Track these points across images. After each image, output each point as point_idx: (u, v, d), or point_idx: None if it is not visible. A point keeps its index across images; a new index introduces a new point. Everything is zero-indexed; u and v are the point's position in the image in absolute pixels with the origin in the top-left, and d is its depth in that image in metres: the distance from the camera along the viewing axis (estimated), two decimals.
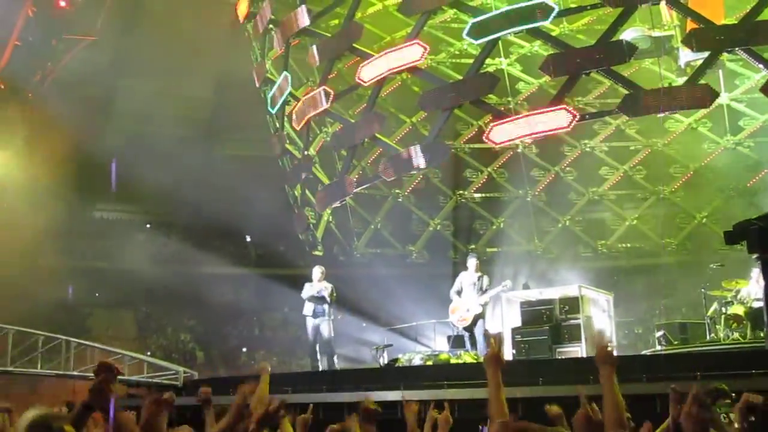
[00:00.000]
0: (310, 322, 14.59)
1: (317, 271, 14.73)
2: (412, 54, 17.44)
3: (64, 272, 23.00)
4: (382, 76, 17.83)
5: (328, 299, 14.47)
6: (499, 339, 3.68)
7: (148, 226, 27.57)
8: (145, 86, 21.84)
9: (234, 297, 25.26)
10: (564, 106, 15.78)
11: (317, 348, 14.63)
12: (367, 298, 21.31)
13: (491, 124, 16.72)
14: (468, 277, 14.29)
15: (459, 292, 14.29)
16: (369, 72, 17.88)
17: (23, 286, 19.03)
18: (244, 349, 25.62)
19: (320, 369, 14.38)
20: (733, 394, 4.02)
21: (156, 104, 22.54)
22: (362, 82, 18.10)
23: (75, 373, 16.78)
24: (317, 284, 14.52)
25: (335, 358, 14.70)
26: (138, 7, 22.96)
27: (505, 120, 16.65)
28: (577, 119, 15.73)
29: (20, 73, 22.72)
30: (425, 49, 17.33)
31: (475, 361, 13.36)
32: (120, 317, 24.66)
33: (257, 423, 3.78)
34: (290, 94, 20.55)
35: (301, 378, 14.15)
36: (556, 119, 15.78)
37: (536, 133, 16.24)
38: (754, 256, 5.72)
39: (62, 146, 20.62)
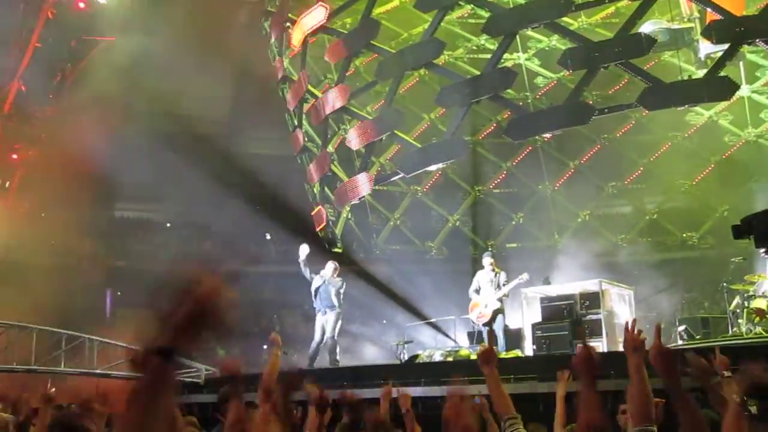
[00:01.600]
0: (318, 318, 14.70)
1: (330, 267, 14.71)
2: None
3: (85, 271, 23.17)
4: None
5: (335, 295, 14.44)
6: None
7: (168, 225, 27.73)
8: (164, 85, 21.90)
9: (255, 294, 25.33)
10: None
11: (319, 344, 14.61)
12: (387, 295, 21.33)
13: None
14: (485, 275, 14.33)
15: (477, 291, 14.33)
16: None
17: (43, 283, 19.19)
18: (265, 347, 25.70)
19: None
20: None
21: (174, 103, 22.63)
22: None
23: (98, 371, 16.93)
24: (318, 278, 14.54)
25: (337, 356, 14.62)
26: (156, 6, 23.05)
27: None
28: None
29: (40, 74, 22.91)
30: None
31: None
32: (141, 315, 24.82)
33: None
34: (308, 91, 20.63)
35: (322, 374, 14.18)
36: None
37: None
38: (762, 250, 5.67)
39: (82, 146, 20.76)
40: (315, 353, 14.70)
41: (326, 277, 14.56)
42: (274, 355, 4.85)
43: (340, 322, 14.69)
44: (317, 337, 14.70)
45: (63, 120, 22.44)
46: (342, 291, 14.61)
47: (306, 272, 14.69)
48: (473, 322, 14.78)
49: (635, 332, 3.43)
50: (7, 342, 16.03)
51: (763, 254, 5.69)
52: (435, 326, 18.80)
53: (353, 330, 21.61)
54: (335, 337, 14.63)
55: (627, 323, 3.40)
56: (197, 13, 22.01)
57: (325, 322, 14.56)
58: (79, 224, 21.14)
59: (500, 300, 14.15)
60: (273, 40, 22.63)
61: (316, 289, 14.60)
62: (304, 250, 14.57)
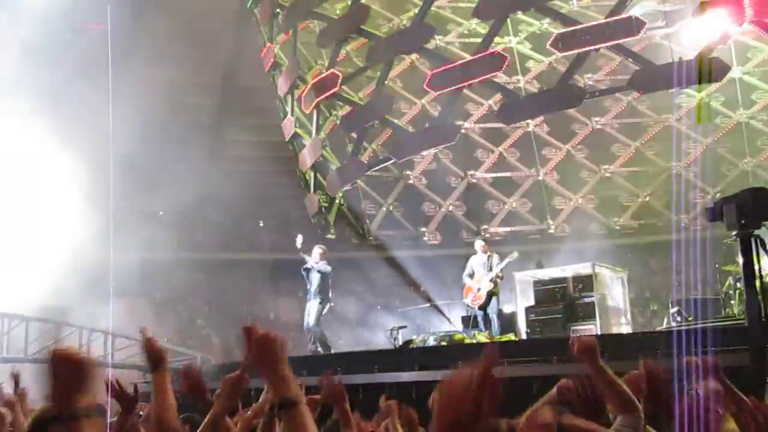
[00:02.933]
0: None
1: (317, 251, 14.43)
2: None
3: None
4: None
5: (320, 282, 14.19)
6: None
7: (161, 213, 27.67)
8: (154, 73, 21.80)
9: (249, 282, 25.34)
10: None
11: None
12: (381, 280, 21.37)
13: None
14: (477, 259, 14.41)
15: (471, 275, 14.39)
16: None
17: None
18: None
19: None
20: None
21: (165, 91, 22.51)
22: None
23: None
24: (308, 259, 14.23)
25: (320, 344, 14.43)
26: None
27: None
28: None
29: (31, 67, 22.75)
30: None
31: (489, 341, 13.39)
32: (137, 304, 24.80)
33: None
34: (299, 77, 20.55)
35: (316, 360, 14.19)
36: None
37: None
38: (733, 233, 5.69)
39: (72, 138, 20.67)
40: (313, 344, 14.59)
41: (312, 262, 14.29)
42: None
43: (324, 311, 14.46)
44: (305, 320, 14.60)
45: None
46: (329, 279, 14.35)
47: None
48: (469, 306, 14.84)
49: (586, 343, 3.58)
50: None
51: (734, 237, 5.69)
52: (429, 311, 18.86)
53: (348, 315, 21.69)
54: (319, 325, 14.43)
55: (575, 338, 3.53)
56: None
57: (310, 308, 14.41)
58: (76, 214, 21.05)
59: (494, 282, 14.19)
60: (262, 27, 22.51)
61: (306, 273, 14.38)
62: (299, 240, 14.41)
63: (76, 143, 20.13)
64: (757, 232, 5.75)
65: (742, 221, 5.62)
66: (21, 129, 19.67)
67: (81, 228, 21.00)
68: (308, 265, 14.27)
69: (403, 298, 20.84)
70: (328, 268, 14.37)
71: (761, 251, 5.71)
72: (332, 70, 19.08)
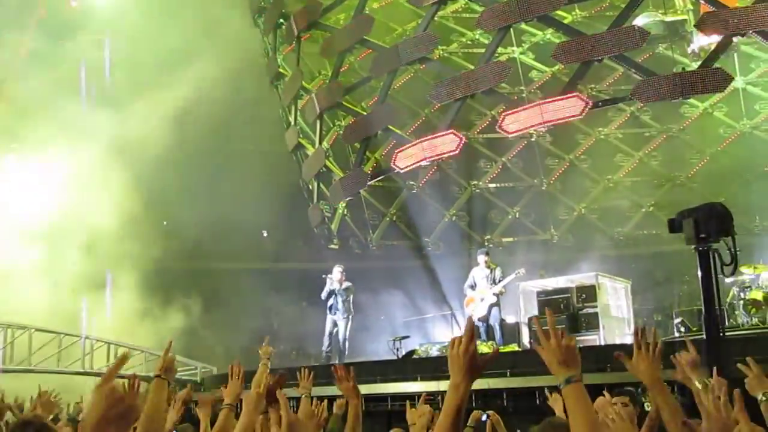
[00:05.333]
0: (328, 317, 15.17)
1: (337, 272, 15.22)
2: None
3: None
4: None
5: (344, 297, 14.98)
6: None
7: (164, 223, 27.68)
8: (157, 82, 21.86)
9: (251, 292, 25.31)
10: (576, 93, 15.66)
11: (331, 342, 15.22)
12: (384, 290, 21.32)
13: (503, 114, 16.65)
14: (480, 272, 14.40)
15: (473, 287, 14.38)
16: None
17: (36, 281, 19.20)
18: (264, 343, 25.66)
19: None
20: None
21: (168, 101, 22.54)
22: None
23: (95, 370, 16.93)
24: (329, 282, 15.07)
25: (344, 357, 15.08)
26: (148, 3, 22.98)
27: (518, 109, 16.56)
28: (589, 107, 15.63)
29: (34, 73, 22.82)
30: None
31: (491, 351, 13.34)
32: (139, 314, 24.78)
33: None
34: (302, 87, 20.60)
35: (318, 371, 14.15)
36: (569, 107, 15.68)
37: (549, 122, 16.13)
38: (692, 247, 5.74)
39: (75, 146, 20.76)
40: (329, 345, 15.27)
41: (335, 283, 15.07)
42: (261, 369, 4.90)
43: (350, 325, 15.30)
44: (328, 328, 15.25)
45: None
46: (351, 298, 15.22)
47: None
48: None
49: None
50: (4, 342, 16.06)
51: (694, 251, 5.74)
52: (432, 321, 18.82)
53: (351, 325, 21.60)
54: (345, 341, 15.21)
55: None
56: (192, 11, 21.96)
57: (336, 323, 15.15)
58: (78, 223, 21.09)
59: (496, 295, 14.17)
60: (266, 37, 22.57)
61: (328, 294, 15.11)
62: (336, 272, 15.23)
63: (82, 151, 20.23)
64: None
65: (701, 235, 5.68)
66: None
67: (85, 237, 21.08)
68: (333, 288, 15.05)
69: (405, 308, 20.78)
70: (351, 285, 15.27)
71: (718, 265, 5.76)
72: (335, 80, 19.05)
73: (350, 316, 15.25)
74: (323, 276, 15.40)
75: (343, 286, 15.07)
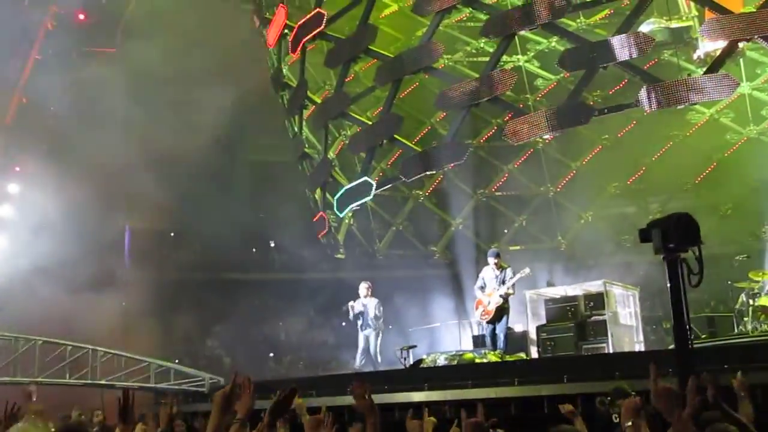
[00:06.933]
0: (360, 334, 15.78)
1: (363, 288, 15.83)
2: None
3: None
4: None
5: (374, 318, 15.54)
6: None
7: (172, 234, 27.71)
8: (165, 95, 21.92)
9: (259, 302, 25.32)
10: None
11: (363, 355, 15.74)
12: (391, 299, 21.28)
13: (509, 121, 16.61)
14: (490, 273, 14.36)
15: (482, 288, 14.35)
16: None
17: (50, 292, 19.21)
18: (271, 355, 25.65)
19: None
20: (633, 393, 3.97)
21: (176, 113, 22.60)
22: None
23: (103, 382, 16.93)
24: (359, 303, 15.65)
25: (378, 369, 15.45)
26: (155, 17, 23.06)
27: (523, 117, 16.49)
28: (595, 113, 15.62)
29: (41, 86, 22.90)
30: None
31: (499, 360, 13.32)
32: (147, 325, 24.79)
33: (270, 414, 3.65)
34: (308, 97, 20.64)
35: (326, 381, 14.16)
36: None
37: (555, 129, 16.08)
38: (661, 256, 5.75)
39: (84, 159, 20.78)
40: (361, 361, 15.78)
41: (363, 300, 15.62)
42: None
43: (380, 337, 15.83)
44: (361, 345, 15.79)
45: (64, 132, 22.39)
46: (379, 312, 15.70)
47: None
48: (479, 323, 14.80)
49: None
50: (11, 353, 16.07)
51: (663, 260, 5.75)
52: (439, 330, 18.76)
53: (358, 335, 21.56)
54: (376, 354, 15.69)
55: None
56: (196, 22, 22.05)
57: (367, 336, 15.68)
58: (87, 234, 21.11)
59: (505, 299, 14.11)
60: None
61: (357, 315, 15.65)
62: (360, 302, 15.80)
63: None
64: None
65: (669, 245, 5.69)
66: None
67: (91, 247, 21.11)
68: (360, 309, 15.62)
69: (413, 317, 20.72)
70: (378, 304, 15.78)
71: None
72: (340, 90, 19.07)
73: (380, 331, 15.81)
74: (344, 308, 15.94)
75: (373, 302, 15.63)
